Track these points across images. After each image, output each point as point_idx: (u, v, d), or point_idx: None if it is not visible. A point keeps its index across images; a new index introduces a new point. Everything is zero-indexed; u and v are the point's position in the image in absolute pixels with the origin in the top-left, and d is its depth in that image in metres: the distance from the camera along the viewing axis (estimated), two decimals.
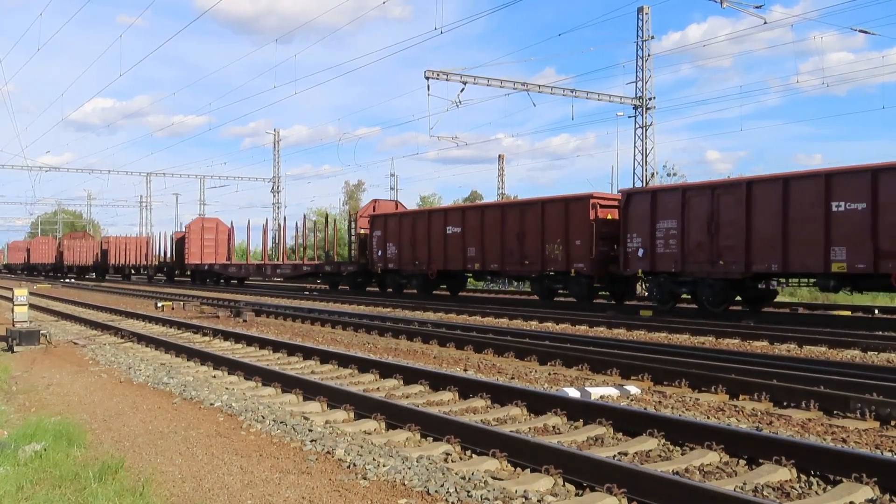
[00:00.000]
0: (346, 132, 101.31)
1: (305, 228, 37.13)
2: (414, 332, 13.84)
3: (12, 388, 8.92)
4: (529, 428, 6.59)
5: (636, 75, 31.53)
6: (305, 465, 5.38)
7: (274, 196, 56.32)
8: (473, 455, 5.66)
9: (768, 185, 16.94)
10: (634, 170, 32.24)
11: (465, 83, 28.85)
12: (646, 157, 31.87)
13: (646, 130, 31.80)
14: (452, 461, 5.57)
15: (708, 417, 6.99)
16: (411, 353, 11.99)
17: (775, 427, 6.58)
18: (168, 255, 47.35)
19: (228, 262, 42.14)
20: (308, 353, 11.23)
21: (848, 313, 18.56)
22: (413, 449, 5.87)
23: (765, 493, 4.79)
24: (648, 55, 31.26)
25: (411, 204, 53.85)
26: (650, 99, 31.65)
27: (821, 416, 7.02)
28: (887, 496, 4.58)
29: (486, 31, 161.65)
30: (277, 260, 40.18)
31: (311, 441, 6.01)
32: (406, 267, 27.69)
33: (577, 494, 4.78)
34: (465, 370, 10.07)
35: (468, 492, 4.66)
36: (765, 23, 24.99)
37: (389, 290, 29.23)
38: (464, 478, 4.97)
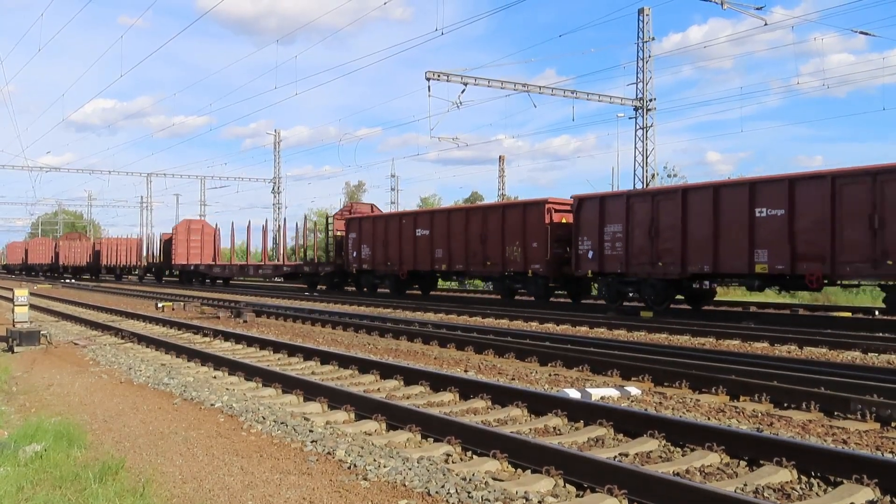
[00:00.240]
0: (346, 133, 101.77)
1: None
2: (414, 333, 13.84)
3: (13, 389, 8.92)
4: (530, 429, 6.59)
5: (637, 76, 31.56)
6: (306, 466, 5.38)
7: (274, 197, 56.35)
8: (474, 456, 5.66)
9: (701, 192, 18.26)
10: (635, 171, 32.26)
11: (465, 84, 28.88)
12: (646, 158, 31.87)
13: (646, 132, 31.80)
14: (453, 462, 5.57)
15: (709, 418, 6.99)
16: (412, 353, 11.99)
17: (776, 428, 6.58)
18: (157, 255, 48.48)
19: (213, 263, 43.54)
20: (308, 354, 11.23)
21: (848, 314, 18.55)
22: (414, 450, 5.87)
23: (765, 494, 4.79)
24: (649, 56, 31.28)
25: (412, 205, 53.87)
26: (651, 100, 31.66)
27: (821, 417, 7.02)
28: (888, 497, 4.58)
29: (487, 32, 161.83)
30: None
31: (312, 442, 6.01)
32: (379, 267, 28.96)
33: (577, 495, 4.78)
34: (466, 371, 10.06)
35: (469, 493, 4.66)
36: (765, 24, 25.04)
37: (365, 289, 30.31)
38: (464, 479, 4.96)
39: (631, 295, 20.39)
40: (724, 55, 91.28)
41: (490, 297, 27.27)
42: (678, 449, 5.81)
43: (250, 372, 9.57)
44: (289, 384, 8.61)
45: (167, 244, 46.23)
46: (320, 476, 5.14)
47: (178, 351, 11.98)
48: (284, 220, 52.66)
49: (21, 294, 14.90)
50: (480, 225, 24.42)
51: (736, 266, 17.38)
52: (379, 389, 8.68)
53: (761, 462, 5.24)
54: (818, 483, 4.93)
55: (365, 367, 9.86)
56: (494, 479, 5.07)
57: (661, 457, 5.69)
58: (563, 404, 6.98)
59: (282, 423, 6.70)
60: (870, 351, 11.47)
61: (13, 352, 12.50)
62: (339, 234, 32.48)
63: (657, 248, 18.95)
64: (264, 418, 6.91)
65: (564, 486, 4.92)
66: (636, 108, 31.88)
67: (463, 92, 28.84)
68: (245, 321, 18.07)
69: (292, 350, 11.81)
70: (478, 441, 5.77)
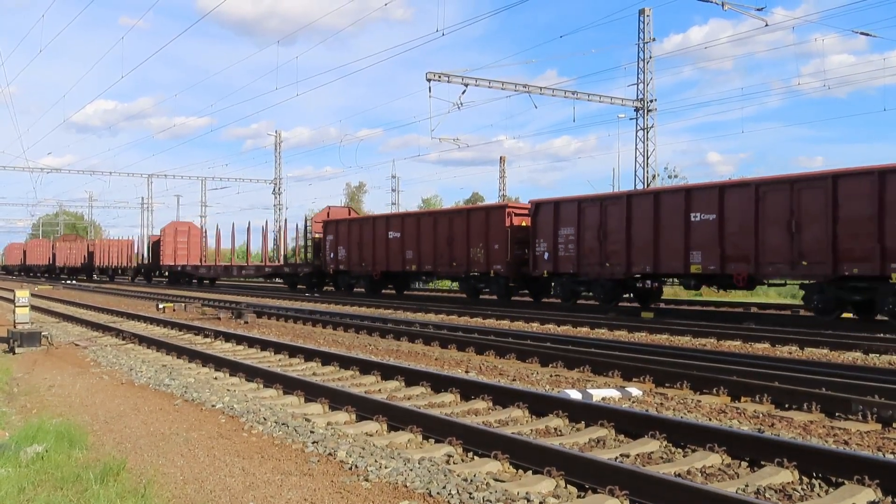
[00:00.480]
0: (347, 134, 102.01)
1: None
2: (415, 334, 13.84)
3: (14, 390, 8.92)
4: (531, 430, 6.59)
5: (637, 77, 31.58)
6: (307, 467, 5.38)
7: (275, 198, 56.37)
8: (475, 457, 5.66)
9: (644, 198, 19.78)
10: (636, 172, 32.27)
11: (466, 85, 28.91)
12: (647, 159, 31.88)
13: (647, 132, 31.81)
14: (454, 463, 5.57)
15: (710, 419, 6.98)
16: (413, 354, 11.99)
17: (777, 429, 6.58)
18: (147, 257, 49.87)
19: (199, 264, 45.26)
20: (309, 355, 11.23)
21: (849, 315, 18.53)
22: (415, 451, 5.87)
23: (767, 495, 4.79)
24: (650, 57, 31.29)
25: (412, 206, 53.95)
26: (651, 101, 31.67)
27: (823, 418, 7.01)
28: (889, 498, 4.57)
29: (488, 32, 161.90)
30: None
31: (313, 443, 6.01)
32: (354, 268, 30.60)
33: (579, 496, 4.78)
34: (467, 372, 10.06)
35: (470, 493, 4.66)
36: (766, 25, 25.03)
37: (342, 289, 31.92)
38: (466, 479, 4.96)
39: (584, 293, 21.95)
40: (724, 56, 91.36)
41: (459, 296, 28.39)
42: (679, 450, 5.81)
43: (251, 373, 9.57)
44: (290, 385, 8.61)
45: (155, 246, 47.70)
46: (321, 477, 5.14)
47: (180, 352, 11.98)
48: (285, 220, 52.64)
49: (22, 295, 14.91)
50: (447, 228, 25.78)
51: (674, 267, 18.74)
52: (380, 390, 8.68)
53: (763, 463, 5.24)
54: (820, 484, 4.92)
55: (366, 367, 9.86)
56: (496, 479, 5.07)
57: (662, 458, 5.68)
58: (564, 405, 6.97)
59: (283, 423, 6.70)
60: (871, 352, 11.47)
61: (14, 353, 12.50)
62: (317, 236, 33.93)
63: (605, 251, 20.37)
64: (265, 419, 6.91)
65: (566, 487, 4.92)
66: (637, 109, 31.89)
67: (464, 93, 28.94)
68: (246, 322, 18.08)
69: (293, 351, 11.81)
70: (479, 442, 5.77)
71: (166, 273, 47.42)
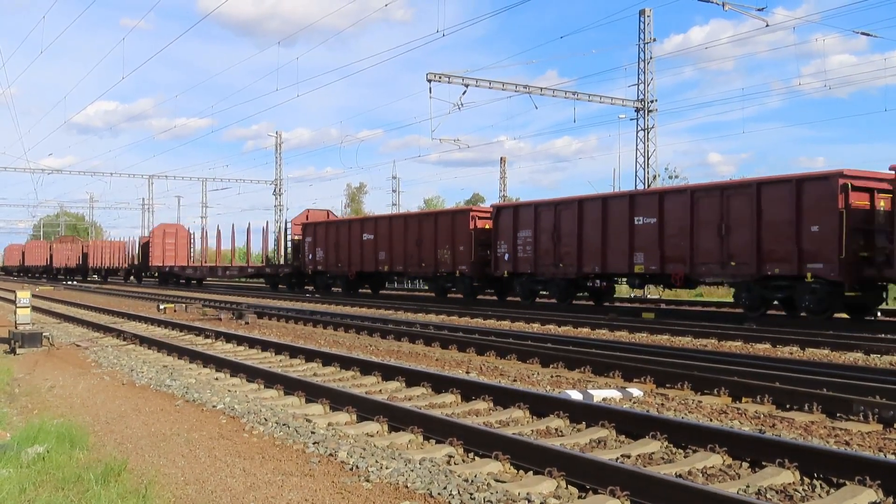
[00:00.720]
0: (348, 134, 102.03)
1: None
2: (416, 335, 13.84)
3: (15, 391, 8.92)
4: (532, 430, 6.59)
5: (638, 78, 31.54)
6: (308, 468, 5.38)
7: (276, 198, 56.32)
8: (476, 457, 5.66)
9: (593, 202, 21.09)
10: (636, 172, 32.25)
11: (466, 86, 28.88)
12: (647, 159, 31.86)
13: (647, 133, 31.79)
14: (455, 463, 5.57)
15: (711, 420, 6.98)
16: (413, 355, 11.99)
17: (778, 430, 6.57)
18: (137, 257, 51.18)
19: (186, 265, 47.04)
20: (310, 356, 11.23)
21: (844, 315, 18.53)
22: (416, 451, 5.87)
23: (768, 495, 4.78)
24: (650, 58, 31.27)
25: (413, 206, 54.11)
26: (652, 101, 31.64)
27: (824, 418, 7.01)
28: (890, 499, 4.57)
29: (488, 33, 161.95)
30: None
31: (314, 443, 6.01)
32: (331, 269, 32.17)
33: (579, 497, 4.78)
34: (468, 372, 10.06)
35: (471, 494, 4.66)
36: (767, 25, 25.01)
37: (321, 289, 33.33)
38: (466, 480, 4.96)
39: (542, 292, 23.36)
40: (725, 56, 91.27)
41: (429, 294, 29.70)
42: (680, 450, 5.81)
43: (252, 373, 9.57)
44: (291, 386, 8.61)
45: (145, 247, 49.35)
46: (322, 477, 5.14)
47: (180, 353, 11.98)
48: (286, 221, 52.80)
49: (23, 296, 14.90)
50: (417, 230, 27.20)
51: (619, 267, 20.08)
52: (381, 391, 8.68)
53: (764, 463, 5.24)
54: (821, 484, 4.92)
55: (367, 368, 9.86)
56: (497, 480, 5.06)
57: (663, 458, 5.68)
58: (565, 406, 6.97)
59: (284, 424, 6.70)
60: (872, 352, 11.46)
61: (15, 353, 12.51)
62: (296, 238, 35.64)
63: (559, 252, 21.76)
64: (266, 420, 6.91)
65: (567, 488, 4.92)
66: (637, 110, 31.87)
67: (464, 93, 28.89)
68: (247, 323, 18.08)
69: (294, 352, 11.82)
70: (480, 442, 5.77)
71: (156, 273, 48.97)
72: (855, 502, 4.53)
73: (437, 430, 6.25)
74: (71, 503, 4.59)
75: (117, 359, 11.72)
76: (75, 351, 13.05)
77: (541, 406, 7.19)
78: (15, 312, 14.72)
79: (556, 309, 20.94)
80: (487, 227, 24.56)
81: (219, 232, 47.36)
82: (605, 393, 8.03)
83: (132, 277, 53.64)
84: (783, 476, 5.01)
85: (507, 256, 23.42)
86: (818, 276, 15.87)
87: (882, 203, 15.81)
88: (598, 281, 21.92)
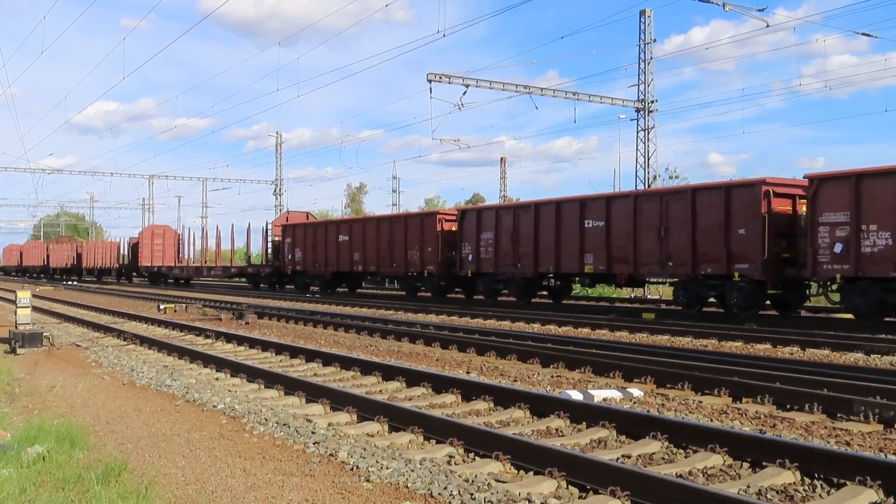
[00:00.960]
0: (348, 135, 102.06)
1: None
2: (416, 335, 13.84)
3: (15, 391, 8.92)
4: (532, 430, 6.59)
5: (638, 78, 31.51)
6: (308, 468, 5.38)
7: (276, 198, 56.35)
8: (476, 457, 5.66)
9: (548, 206, 22.25)
10: (637, 173, 32.24)
11: (467, 86, 28.87)
12: (647, 159, 31.85)
13: (647, 133, 31.78)
14: (456, 464, 5.57)
15: (711, 420, 6.98)
16: (414, 355, 11.98)
17: (779, 430, 6.57)
18: (127, 258, 52.17)
19: (173, 265, 48.17)
20: (310, 356, 11.23)
21: (850, 316, 18.52)
22: (416, 451, 5.87)
23: (769, 496, 4.78)
24: (650, 58, 31.26)
25: (413, 206, 54.23)
26: (652, 102, 31.62)
27: (824, 418, 7.01)
28: (891, 499, 4.57)
29: (489, 33, 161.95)
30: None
31: (315, 443, 6.01)
32: (309, 269, 33.33)
33: (580, 497, 4.78)
34: (468, 373, 10.06)
35: (471, 494, 4.66)
36: (767, 26, 24.99)
37: (300, 288, 34.37)
38: (467, 480, 4.96)
39: (503, 291, 24.40)
40: (725, 57, 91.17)
41: (400, 293, 30.83)
42: (681, 451, 5.81)
43: (253, 374, 9.57)
44: (291, 386, 8.61)
45: (135, 248, 50.43)
46: (323, 478, 5.14)
47: (181, 353, 11.98)
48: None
49: (24, 296, 14.91)
50: (388, 232, 28.24)
51: (571, 267, 21.29)
52: (381, 391, 8.68)
53: (764, 464, 5.24)
54: (821, 485, 4.92)
55: (367, 368, 9.86)
56: (497, 480, 5.06)
57: (663, 458, 5.68)
58: (565, 406, 6.97)
59: (284, 424, 6.70)
60: (872, 352, 11.45)
61: (16, 353, 12.51)
62: (276, 239, 36.76)
63: (518, 253, 22.83)
64: (266, 420, 6.91)
65: (567, 488, 4.92)
66: (638, 110, 31.86)
67: (465, 94, 28.88)
68: (247, 323, 18.08)
69: (294, 352, 11.82)
70: (480, 442, 5.77)
71: (145, 273, 50.11)
72: (855, 502, 4.53)
73: (437, 430, 6.25)
74: (71, 503, 4.59)
75: (118, 359, 11.72)
76: (76, 351, 13.05)
77: (541, 406, 7.19)
78: (15, 312, 14.72)
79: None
80: (453, 229, 25.56)
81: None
82: (605, 393, 8.03)
83: (123, 277, 54.55)
84: (784, 476, 5.01)
85: (470, 257, 24.55)
86: (744, 275, 17.03)
87: (803, 208, 16.76)
88: (553, 280, 23.02)
